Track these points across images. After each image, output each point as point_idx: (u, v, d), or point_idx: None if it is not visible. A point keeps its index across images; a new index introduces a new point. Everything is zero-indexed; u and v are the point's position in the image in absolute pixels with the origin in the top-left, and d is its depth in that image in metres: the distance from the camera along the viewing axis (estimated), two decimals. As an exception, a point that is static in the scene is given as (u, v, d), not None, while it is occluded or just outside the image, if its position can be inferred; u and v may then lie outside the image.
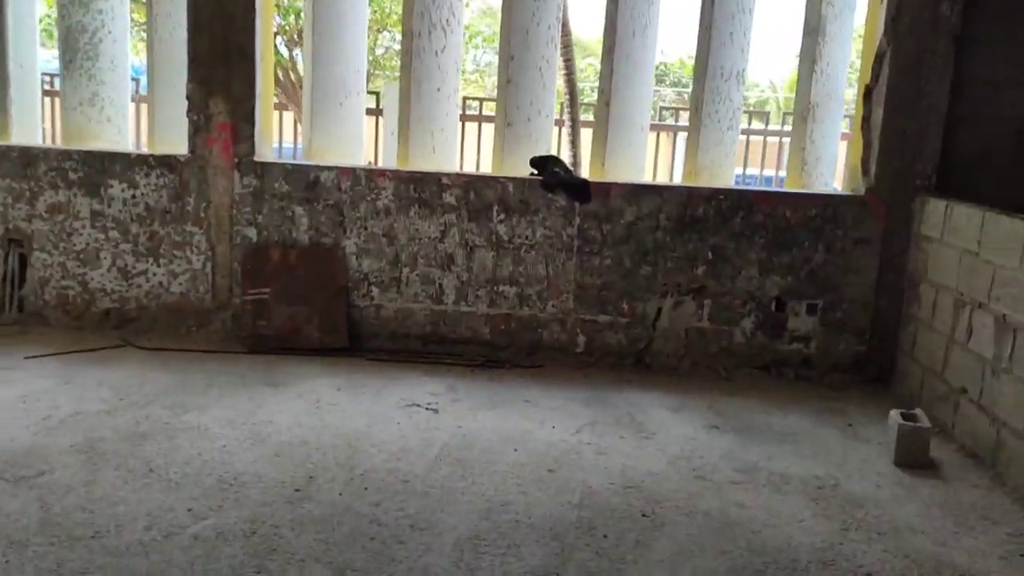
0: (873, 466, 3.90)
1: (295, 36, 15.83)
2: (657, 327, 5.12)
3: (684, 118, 8.39)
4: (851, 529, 3.29)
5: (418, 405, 4.34)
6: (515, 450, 3.86)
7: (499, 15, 5.42)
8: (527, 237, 5.08)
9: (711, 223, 5.01)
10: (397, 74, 6.25)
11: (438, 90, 5.34)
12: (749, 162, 8.65)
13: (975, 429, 4.03)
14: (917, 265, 4.78)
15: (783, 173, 7.02)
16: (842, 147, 5.83)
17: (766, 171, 8.46)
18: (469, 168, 7.77)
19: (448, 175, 5.09)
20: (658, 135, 8.68)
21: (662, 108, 9.00)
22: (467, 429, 4.07)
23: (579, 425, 4.20)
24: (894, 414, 4.05)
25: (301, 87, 11.87)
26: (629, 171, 5.38)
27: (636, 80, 5.26)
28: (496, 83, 5.48)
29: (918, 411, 4.09)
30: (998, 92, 4.81)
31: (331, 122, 5.41)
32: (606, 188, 5.03)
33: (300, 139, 6.72)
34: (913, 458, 3.91)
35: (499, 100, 5.38)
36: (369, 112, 7.28)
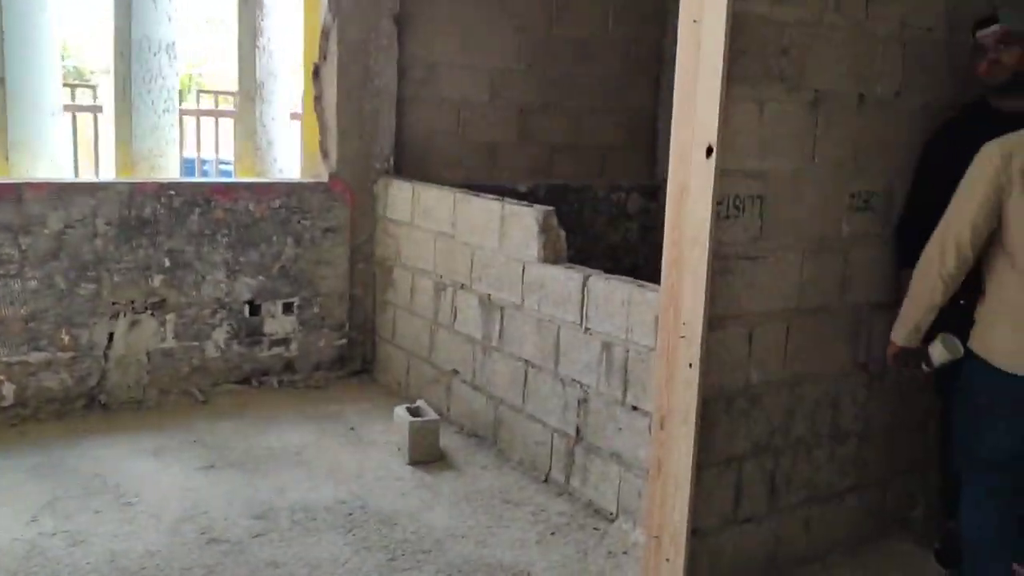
0: (391, 472, 3.67)
1: None
2: (110, 356, 4.17)
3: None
4: (397, 557, 2.99)
5: None
6: (-57, 576, 2.72)
7: None
8: (-96, 264, 3.68)
9: (163, 224, 4.22)
10: None
11: None
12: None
13: (472, 409, 4.07)
14: (387, 250, 4.67)
15: (224, 156, 6.37)
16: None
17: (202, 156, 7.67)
18: None
19: None
20: None
21: None
22: None
23: (34, 510, 3.16)
24: (399, 411, 3.87)
25: None
26: (42, 166, 4.26)
27: (36, 56, 4.14)
28: None
29: (420, 403, 3.98)
30: (436, 73, 4.90)
31: None
32: (18, 190, 3.88)
33: None
34: (426, 454, 3.78)
35: None
36: None
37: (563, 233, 3.68)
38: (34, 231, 3.92)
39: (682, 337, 2.52)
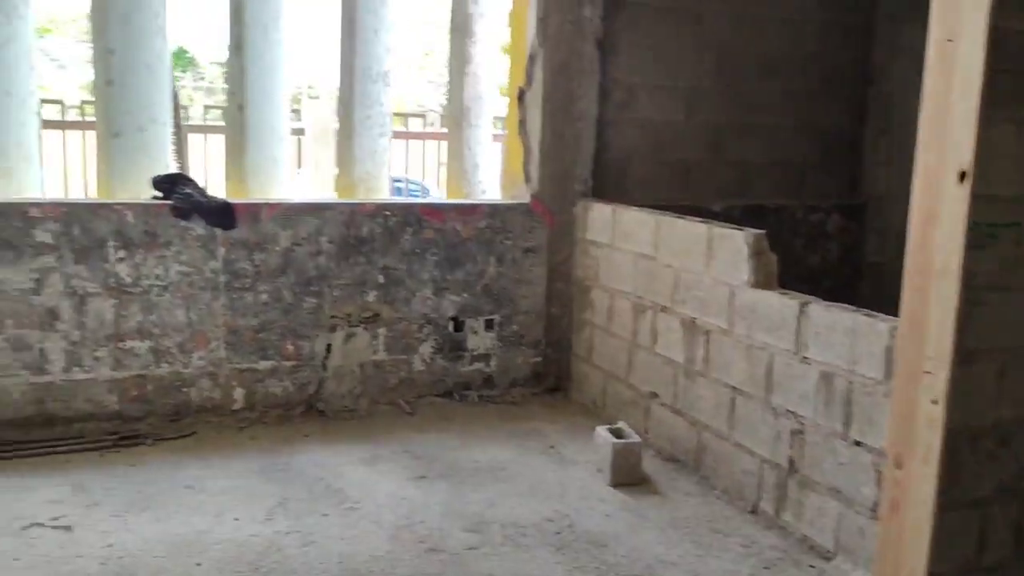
0: (593, 493, 3.68)
1: None
2: (328, 366, 4.44)
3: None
4: (610, 579, 3.00)
5: (40, 524, 3.19)
6: (197, 564, 2.97)
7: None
8: (158, 277, 4.07)
9: (379, 243, 4.45)
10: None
11: (7, 95, 4.05)
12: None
13: (672, 433, 4.03)
14: (586, 271, 4.71)
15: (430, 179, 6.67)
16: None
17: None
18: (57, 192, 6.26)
19: (39, 205, 3.86)
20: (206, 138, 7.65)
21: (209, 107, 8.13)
22: (121, 547, 3.05)
23: (267, 509, 3.40)
24: (601, 431, 3.88)
25: None
26: (273, 188, 4.61)
27: (270, 82, 4.49)
28: (93, 84, 4.32)
29: (622, 424, 3.97)
30: (635, 95, 4.92)
31: None
32: (255, 210, 4.21)
33: None
34: (628, 476, 3.77)
35: (99, 107, 4.25)
36: None
37: (774, 257, 3.58)
38: (266, 247, 4.24)
39: (926, 372, 2.39)
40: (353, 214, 4.40)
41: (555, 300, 4.86)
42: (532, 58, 4.68)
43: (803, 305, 3.28)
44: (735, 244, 3.62)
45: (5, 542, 3.05)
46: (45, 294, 3.89)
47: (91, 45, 4.27)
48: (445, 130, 8.26)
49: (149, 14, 4.21)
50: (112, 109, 4.20)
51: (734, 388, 3.63)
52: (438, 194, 9.21)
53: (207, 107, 8.28)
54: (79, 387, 4.00)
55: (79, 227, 3.91)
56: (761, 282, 3.52)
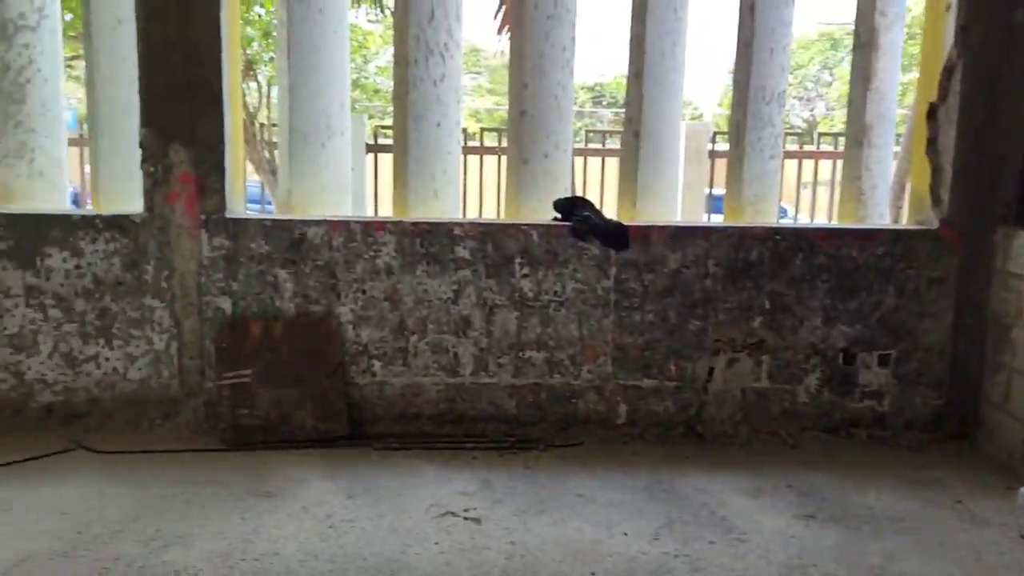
0: (1017, 561, 3.24)
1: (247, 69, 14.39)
2: (709, 390, 4.41)
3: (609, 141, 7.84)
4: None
5: (453, 513, 3.54)
6: (592, 573, 3.09)
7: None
8: (556, 293, 4.33)
9: (767, 267, 4.34)
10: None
11: (438, 125, 4.58)
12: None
13: (1120, 505, 3.42)
14: (1006, 307, 4.18)
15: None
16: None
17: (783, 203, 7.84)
18: (474, 213, 6.98)
19: (461, 224, 4.31)
20: (585, 160, 7.81)
21: (589, 131, 8.30)
22: (523, 546, 3.28)
23: (654, 528, 3.45)
24: (1026, 493, 3.41)
25: (254, 126, 10.93)
26: (662, 211, 4.69)
27: (668, 107, 4.58)
28: (508, 114, 4.73)
29: (1052, 487, 3.46)
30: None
31: (313, 168, 4.60)
32: (646, 232, 4.33)
33: (271, 190, 5.87)
34: (1060, 547, 3.26)
35: (511, 134, 4.65)
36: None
37: None
38: (655, 268, 4.33)
39: None
40: (742, 237, 4.33)
41: (963, 337, 4.37)
42: (948, 70, 4.26)
43: None
44: None
45: (426, 526, 3.42)
46: (461, 304, 4.33)
47: (508, 80, 4.66)
48: (812, 148, 7.88)
49: (558, 48, 4.51)
50: (523, 137, 4.56)
51: None
52: (800, 217, 8.80)
53: (604, 133, 8.68)
54: (484, 390, 4.39)
55: (492, 245, 4.29)
56: None
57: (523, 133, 4.56)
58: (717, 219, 6.04)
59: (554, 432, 4.39)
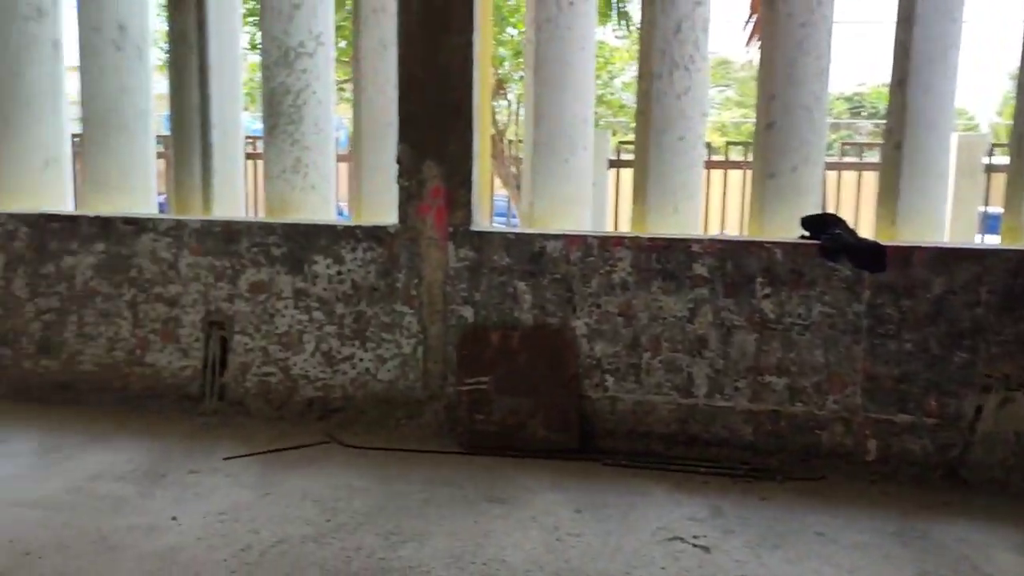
0: None
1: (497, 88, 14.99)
2: (977, 430, 3.96)
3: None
4: None
5: (682, 539, 3.43)
6: (831, 621, 2.87)
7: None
8: (800, 316, 4.09)
9: (1053, 296, 3.84)
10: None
11: (681, 139, 4.50)
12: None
13: None
14: None
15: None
16: None
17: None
18: (715, 229, 6.84)
19: (699, 241, 4.20)
20: (839, 175, 7.22)
21: (845, 144, 7.65)
22: (755, 581, 3.12)
23: (904, 578, 3.15)
24: None
25: (503, 142, 11.42)
26: (926, 230, 4.30)
27: (937, 118, 4.19)
28: (754, 126, 4.56)
29: None
30: None
31: (555, 182, 4.69)
32: (906, 253, 3.97)
33: (516, 204, 6.06)
34: None
35: (757, 147, 4.47)
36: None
37: None
38: (915, 293, 3.96)
39: None
40: (1021, 262, 3.85)
41: None
42: None
43: None
44: None
45: (653, 549, 3.34)
46: (697, 323, 4.20)
47: (756, 91, 4.48)
48: None
49: (812, 57, 4.27)
50: (769, 150, 4.36)
51: None
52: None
53: (862, 145, 8.15)
54: (718, 413, 4.23)
55: (732, 262, 4.14)
56: None
57: (770, 146, 4.36)
58: (992, 240, 5.44)
59: (793, 463, 4.13)
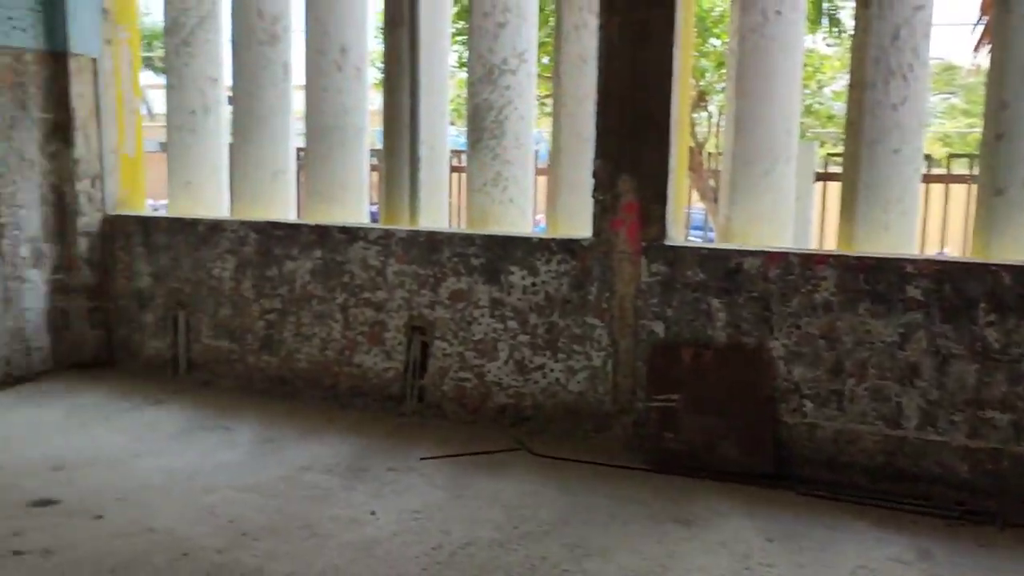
0: None
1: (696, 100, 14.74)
2: None
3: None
4: None
5: (883, 580, 3.21)
6: None
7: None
8: (1030, 347, 3.72)
9: None
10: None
11: (895, 152, 4.22)
12: None
13: None
14: None
15: None
16: None
17: None
18: (933, 249, 6.38)
19: (913, 261, 3.91)
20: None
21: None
22: (967, 634, 2.86)
23: None
24: None
25: (701, 155, 11.20)
26: None
27: None
28: (981, 137, 4.20)
29: None
30: None
31: (754, 196, 4.54)
32: None
33: (713, 218, 5.94)
34: None
35: (984, 160, 4.11)
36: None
37: None
38: None
39: None
40: None
41: None
42: None
43: None
44: None
45: (851, 587, 3.15)
46: (908, 349, 3.92)
47: (984, 99, 4.13)
48: None
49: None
50: (998, 163, 4.00)
51: None
52: None
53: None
54: (930, 448, 3.92)
55: (951, 286, 3.83)
56: None
57: (998, 159, 3.99)
58: None
59: (1016, 508, 3.75)
